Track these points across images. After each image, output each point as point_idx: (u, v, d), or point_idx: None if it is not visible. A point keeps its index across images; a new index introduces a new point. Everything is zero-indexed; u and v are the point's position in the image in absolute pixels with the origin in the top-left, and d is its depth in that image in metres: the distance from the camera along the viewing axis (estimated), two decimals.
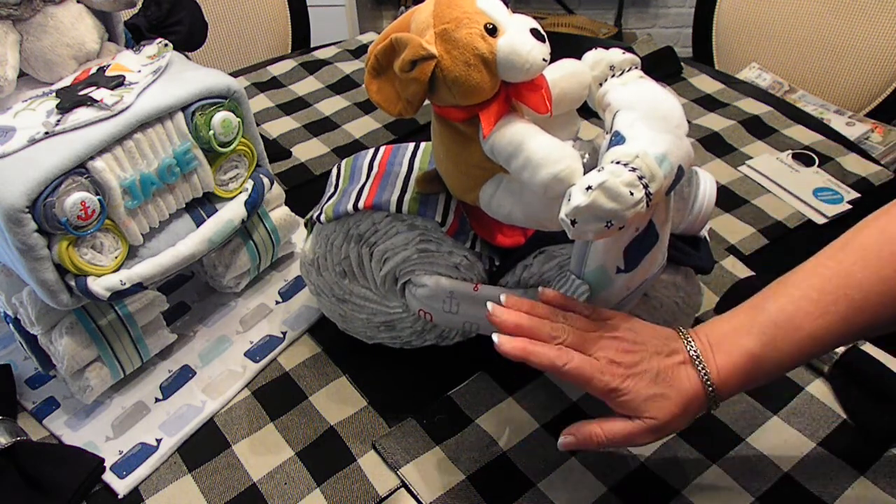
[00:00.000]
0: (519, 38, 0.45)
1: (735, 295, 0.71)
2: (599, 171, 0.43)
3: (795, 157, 0.91)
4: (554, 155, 0.45)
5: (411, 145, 0.64)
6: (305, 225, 0.65)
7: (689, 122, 0.52)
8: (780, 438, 0.59)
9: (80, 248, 0.55)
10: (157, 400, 0.66)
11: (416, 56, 0.44)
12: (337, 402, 0.65)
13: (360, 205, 0.57)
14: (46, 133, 0.53)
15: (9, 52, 0.56)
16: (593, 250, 0.51)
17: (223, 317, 0.73)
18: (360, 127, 1.01)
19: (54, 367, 0.62)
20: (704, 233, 0.59)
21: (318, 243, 0.62)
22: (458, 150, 0.52)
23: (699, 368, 0.48)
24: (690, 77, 1.08)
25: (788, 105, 1.03)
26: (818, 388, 0.63)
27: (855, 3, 1.21)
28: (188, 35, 0.65)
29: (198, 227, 0.63)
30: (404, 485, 0.58)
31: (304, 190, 0.90)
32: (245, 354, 0.69)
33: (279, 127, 1.02)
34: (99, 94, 0.56)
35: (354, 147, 0.97)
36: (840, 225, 0.81)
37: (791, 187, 0.86)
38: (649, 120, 0.46)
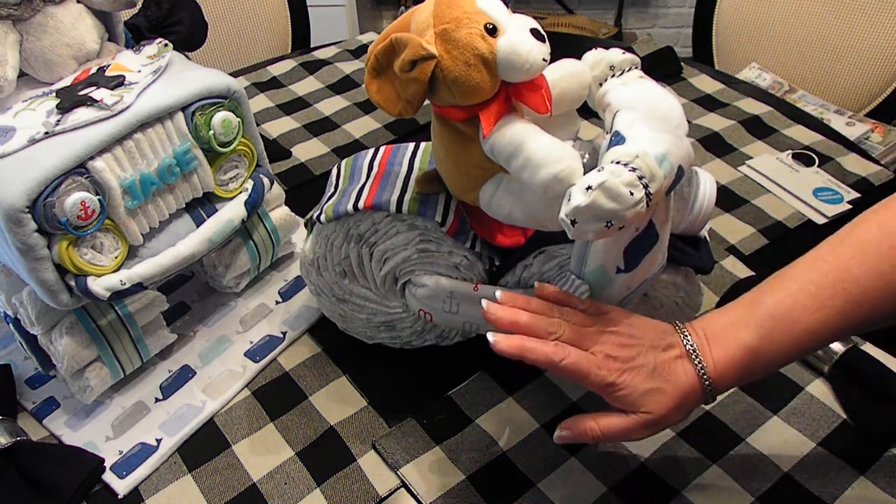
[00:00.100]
0: (519, 38, 0.45)
1: (735, 295, 0.71)
2: (599, 171, 0.43)
3: (795, 157, 0.91)
4: (554, 155, 0.45)
5: (411, 145, 0.64)
6: (305, 225, 0.65)
7: (689, 122, 0.52)
8: (780, 438, 0.59)
9: (80, 248, 0.55)
10: (157, 400, 0.66)
11: (416, 56, 0.44)
12: (337, 402, 0.65)
13: (360, 205, 0.57)
14: (46, 133, 0.53)
15: (9, 52, 0.56)
16: (593, 250, 0.51)
17: (223, 317, 0.73)
18: (360, 127, 1.01)
19: (54, 367, 0.62)
20: (704, 233, 0.59)
21: (318, 243, 0.62)
22: (458, 150, 0.52)
23: (696, 362, 0.48)
24: (690, 77, 1.08)
25: (788, 105, 1.03)
26: (818, 388, 0.63)
27: (855, 3, 1.21)
28: (188, 35, 0.65)
29: (198, 227, 0.63)
30: (404, 485, 0.58)
31: (304, 190, 0.90)
32: (245, 354, 0.69)
33: (279, 127, 1.02)
34: (99, 94, 0.56)
35: (354, 147, 0.97)
36: (840, 225, 0.80)
37: (791, 187, 0.86)
38: (649, 120, 0.46)
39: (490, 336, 0.48)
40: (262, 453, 0.61)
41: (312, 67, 1.15)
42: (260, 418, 0.64)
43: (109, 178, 0.54)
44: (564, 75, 0.51)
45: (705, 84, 1.07)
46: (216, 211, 0.64)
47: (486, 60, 0.45)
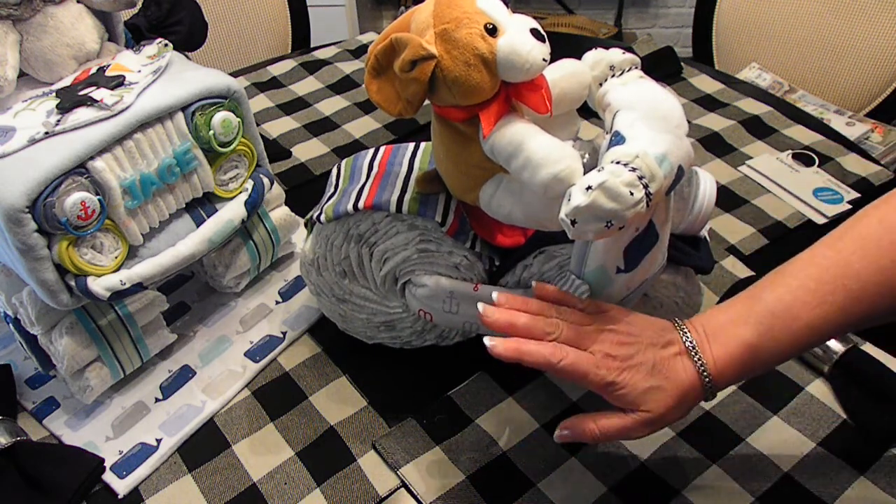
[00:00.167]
0: (519, 38, 0.45)
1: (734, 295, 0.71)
2: (599, 171, 0.43)
3: (795, 157, 0.91)
4: (554, 155, 0.45)
5: (411, 145, 0.64)
6: (305, 225, 0.65)
7: (689, 122, 0.52)
8: (780, 438, 0.59)
9: (80, 248, 0.55)
10: (157, 400, 0.66)
11: (416, 56, 0.44)
12: (337, 402, 0.65)
13: (360, 205, 0.57)
14: (46, 133, 0.53)
15: (9, 52, 0.56)
16: (593, 250, 0.51)
17: (223, 317, 0.73)
18: (360, 127, 1.01)
19: (54, 367, 0.62)
20: (704, 233, 0.59)
21: (318, 243, 0.62)
22: (458, 150, 0.52)
23: (695, 359, 0.48)
24: (690, 77, 1.08)
25: (788, 105, 1.03)
26: (818, 388, 0.63)
27: (855, 3, 1.21)
28: (188, 35, 0.65)
29: (198, 227, 0.63)
30: (404, 485, 0.58)
31: (304, 190, 0.90)
32: (245, 354, 0.69)
33: (279, 127, 1.02)
34: (99, 94, 0.56)
35: (354, 147, 0.97)
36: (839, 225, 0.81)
37: (791, 187, 0.86)
38: (649, 120, 0.46)
39: (487, 340, 0.47)
40: (262, 453, 0.61)
41: (312, 67, 1.15)
42: (260, 418, 0.64)
43: (109, 178, 0.54)
44: (564, 75, 0.51)
45: (705, 84, 1.07)
46: (216, 211, 0.64)
47: (486, 60, 0.45)
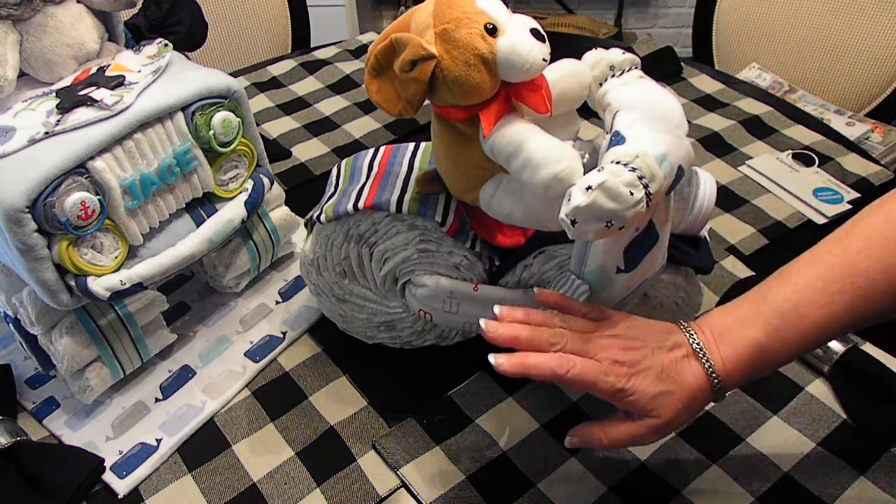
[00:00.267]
0: (519, 38, 0.45)
1: (735, 295, 0.71)
2: (599, 171, 0.43)
3: (795, 157, 0.91)
4: (554, 155, 0.45)
5: (411, 145, 0.64)
6: (305, 225, 0.65)
7: (689, 122, 0.52)
8: (780, 438, 0.59)
9: (80, 248, 0.55)
10: (157, 400, 0.66)
11: (416, 56, 0.44)
12: (337, 402, 0.65)
13: (360, 205, 0.57)
14: (46, 133, 0.53)
15: (9, 52, 0.56)
16: (593, 250, 0.51)
17: (223, 317, 0.73)
18: (360, 127, 1.01)
19: (54, 367, 0.62)
20: (704, 233, 0.59)
21: (318, 243, 0.62)
22: (458, 150, 0.52)
23: (703, 361, 0.47)
24: (690, 77, 1.08)
25: (788, 105, 1.03)
26: (818, 388, 0.63)
27: (855, 3, 1.21)
28: (188, 35, 0.65)
29: (198, 227, 0.63)
30: (404, 485, 0.58)
31: (304, 190, 0.90)
32: (245, 354, 0.69)
33: (279, 127, 1.02)
34: (99, 94, 0.56)
35: (354, 147, 0.97)
36: (840, 225, 0.80)
37: (791, 187, 0.86)
38: (649, 120, 0.46)
39: (492, 358, 0.47)
40: (262, 453, 0.61)
41: (312, 67, 1.15)
42: (260, 418, 0.64)
43: (109, 178, 0.54)
44: (564, 75, 0.51)
45: (705, 84, 1.07)
46: (216, 211, 0.64)
47: (486, 60, 0.45)
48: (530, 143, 0.46)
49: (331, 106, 1.06)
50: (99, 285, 0.55)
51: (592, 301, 0.53)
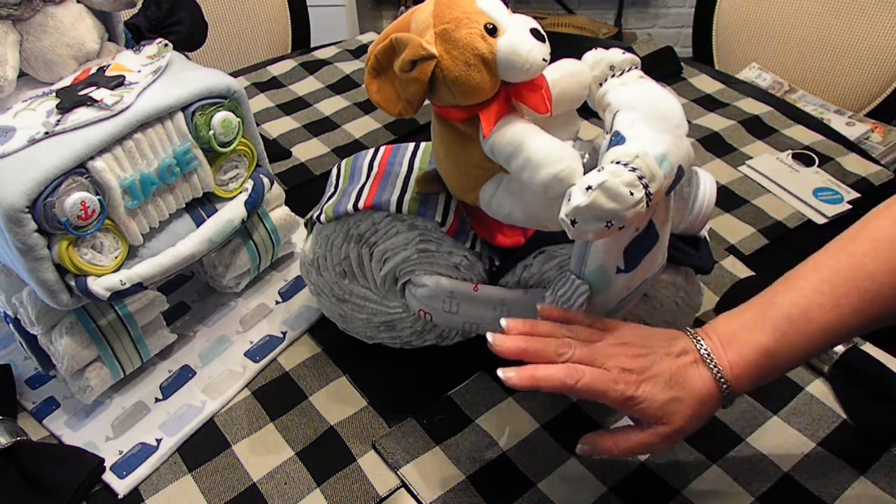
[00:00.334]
0: (519, 38, 0.45)
1: (735, 295, 0.71)
2: (599, 171, 0.43)
3: (795, 157, 0.91)
4: (554, 155, 0.45)
5: (411, 145, 0.64)
6: (305, 225, 0.65)
7: (689, 122, 0.52)
8: (780, 438, 0.59)
9: (80, 248, 0.55)
10: (157, 400, 0.66)
11: (416, 56, 0.44)
12: (337, 402, 0.65)
13: (360, 205, 0.57)
14: (46, 133, 0.53)
15: (9, 52, 0.56)
16: (593, 250, 0.51)
17: (223, 317, 0.73)
18: (360, 127, 1.01)
19: (54, 367, 0.62)
20: (704, 233, 0.59)
21: (318, 243, 0.62)
22: (458, 150, 0.52)
23: (711, 366, 0.47)
24: (690, 77, 1.08)
25: (788, 105, 1.03)
26: (818, 388, 0.63)
27: (855, 3, 1.21)
28: (188, 35, 0.65)
29: (198, 227, 0.63)
30: (404, 485, 0.58)
31: (304, 190, 0.90)
32: (245, 354, 0.69)
33: (279, 127, 1.02)
34: (99, 94, 0.56)
35: (354, 147, 0.97)
36: (840, 225, 0.80)
37: (791, 187, 0.86)
38: (649, 120, 0.46)
39: (500, 373, 0.47)
40: (262, 453, 0.61)
41: (312, 67, 1.15)
42: (260, 418, 0.64)
43: (109, 178, 0.54)
44: (564, 75, 0.51)
45: (705, 84, 1.07)
46: (216, 211, 0.64)
47: (486, 60, 0.45)
48: (530, 143, 0.46)
49: (331, 106, 1.06)
50: (99, 285, 0.55)
51: (592, 301, 0.53)
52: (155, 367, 0.68)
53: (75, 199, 0.52)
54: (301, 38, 1.46)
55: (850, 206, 0.82)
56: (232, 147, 0.62)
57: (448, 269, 0.59)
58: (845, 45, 1.23)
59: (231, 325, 0.72)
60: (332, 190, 0.63)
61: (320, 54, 1.19)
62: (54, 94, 0.57)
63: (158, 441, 0.62)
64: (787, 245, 0.79)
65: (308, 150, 0.97)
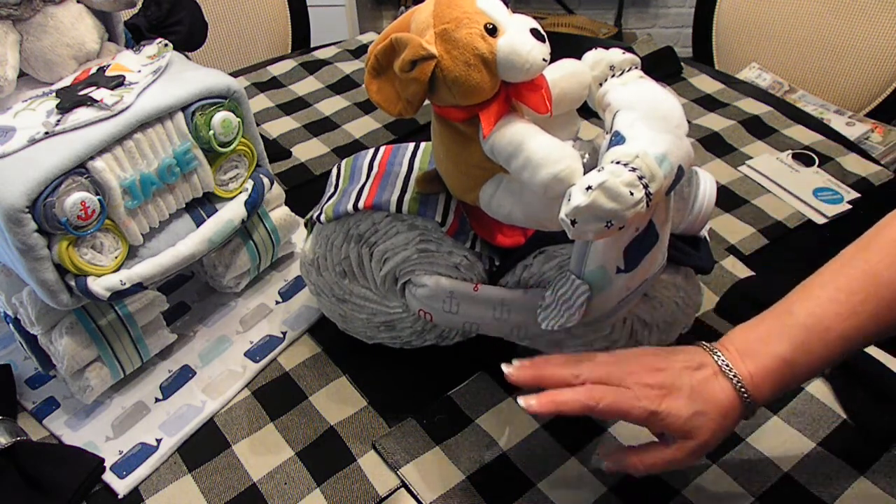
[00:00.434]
0: (519, 38, 0.45)
1: (735, 295, 0.71)
2: (599, 171, 0.43)
3: (795, 157, 0.91)
4: (554, 155, 0.45)
5: (411, 145, 0.64)
6: (305, 225, 0.65)
7: (689, 122, 0.52)
8: (780, 438, 0.59)
9: (80, 248, 0.55)
10: (157, 400, 0.66)
11: (416, 56, 0.44)
12: (337, 402, 0.65)
13: (360, 205, 0.57)
14: (46, 133, 0.53)
15: (9, 52, 0.56)
16: (593, 250, 0.51)
17: (223, 317, 0.73)
18: (360, 127, 1.01)
19: (54, 367, 0.62)
20: (704, 233, 0.59)
21: (318, 243, 0.62)
22: (458, 150, 0.52)
23: (731, 377, 0.47)
24: (690, 77, 1.08)
25: (788, 105, 1.03)
26: (818, 388, 0.63)
27: (855, 3, 1.21)
28: (188, 35, 0.65)
29: (198, 227, 0.63)
30: (404, 485, 0.58)
31: (304, 190, 0.90)
32: (245, 354, 0.69)
33: (279, 127, 1.02)
34: (99, 94, 0.56)
35: (354, 147, 0.97)
36: (840, 225, 0.81)
37: (791, 187, 0.86)
38: (649, 120, 0.46)
39: (521, 401, 0.46)
40: (262, 453, 0.61)
41: (312, 67, 1.15)
42: (260, 418, 0.64)
43: (109, 178, 0.54)
44: (564, 75, 0.51)
45: (705, 84, 1.07)
46: (216, 211, 0.64)
47: (486, 60, 0.45)
48: (530, 143, 0.46)
49: (331, 106, 1.06)
50: (99, 285, 0.55)
51: (592, 301, 0.53)
52: (155, 367, 0.68)
53: (75, 199, 0.52)
54: (301, 38, 1.47)
55: (850, 206, 0.82)
56: (232, 147, 0.62)
57: (448, 269, 0.59)
58: (845, 45, 1.23)
59: (231, 325, 0.72)
60: (332, 190, 0.63)
61: (320, 54, 1.19)
62: (54, 94, 0.57)
63: (158, 441, 0.62)
64: (787, 245, 0.79)
65: (308, 150, 0.97)
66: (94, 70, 0.59)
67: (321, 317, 0.72)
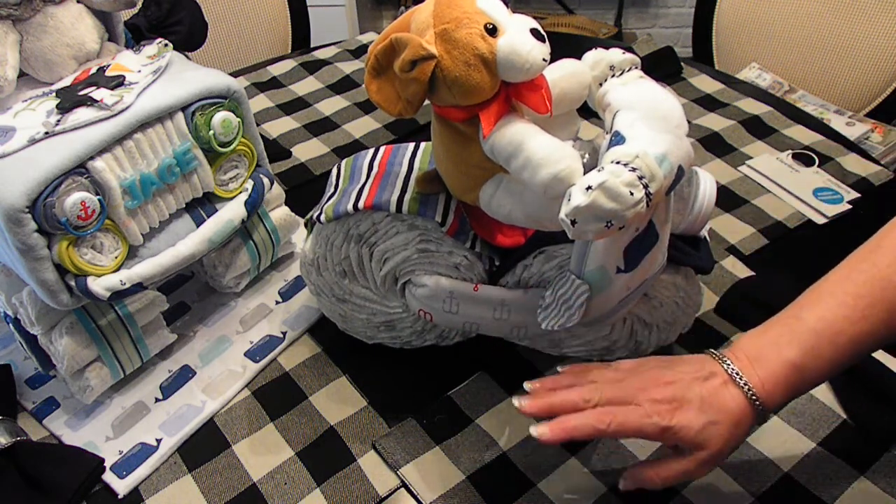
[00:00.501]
0: (519, 38, 0.45)
1: (735, 295, 0.71)
2: (599, 171, 0.43)
3: (795, 157, 0.91)
4: (554, 155, 0.45)
5: (411, 145, 0.64)
6: (305, 225, 0.65)
7: (689, 122, 0.52)
8: (780, 438, 0.59)
9: (80, 248, 0.55)
10: (157, 400, 0.66)
11: (416, 56, 0.44)
12: (337, 402, 0.65)
13: (360, 205, 0.57)
14: (46, 133, 0.53)
15: (9, 52, 0.56)
16: (593, 250, 0.51)
17: (223, 317, 0.73)
18: (360, 127, 1.01)
19: (54, 367, 0.62)
20: (704, 233, 0.60)
21: (318, 243, 0.62)
22: (458, 150, 0.52)
23: (741, 385, 0.47)
24: (690, 77, 1.08)
25: (788, 105, 1.03)
26: (818, 389, 0.63)
27: (855, 3, 1.21)
28: (188, 35, 0.65)
29: (198, 227, 0.63)
30: (404, 485, 0.58)
31: (304, 190, 0.90)
32: (245, 354, 0.69)
33: (279, 127, 1.02)
34: (99, 94, 0.56)
35: (354, 147, 0.97)
36: (840, 225, 0.81)
37: (791, 187, 0.86)
38: (649, 120, 0.46)
39: (533, 430, 0.48)
40: (262, 453, 0.61)
41: (312, 67, 1.15)
42: (260, 418, 0.64)
43: (109, 178, 0.54)
44: (564, 75, 0.51)
45: (705, 84, 1.07)
46: (216, 211, 0.64)
47: (486, 60, 0.45)
48: (530, 143, 0.46)
49: (331, 106, 1.06)
50: (99, 285, 0.55)
51: (592, 301, 0.53)
52: (155, 367, 0.68)
53: (75, 199, 0.52)
54: (301, 38, 1.47)
55: (850, 206, 0.82)
56: (232, 147, 0.62)
57: (448, 269, 0.59)
58: (845, 45, 1.23)
59: (231, 325, 0.72)
60: (332, 190, 0.63)
61: (320, 54, 1.19)
62: (54, 94, 0.57)
63: (158, 441, 0.62)
64: (787, 245, 0.79)
65: (308, 150, 0.97)
66: (94, 70, 0.59)
67: (321, 317, 0.72)
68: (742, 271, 0.75)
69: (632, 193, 0.42)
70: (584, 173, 0.44)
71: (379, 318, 0.65)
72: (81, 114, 0.54)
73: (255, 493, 0.58)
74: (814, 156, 0.91)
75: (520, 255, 0.58)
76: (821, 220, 0.82)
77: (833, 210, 0.82)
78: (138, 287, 0.58)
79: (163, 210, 0.60)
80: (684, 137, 0.47)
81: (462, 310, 0.59)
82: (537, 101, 0.47)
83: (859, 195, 0.84)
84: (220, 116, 0.60)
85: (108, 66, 0.59)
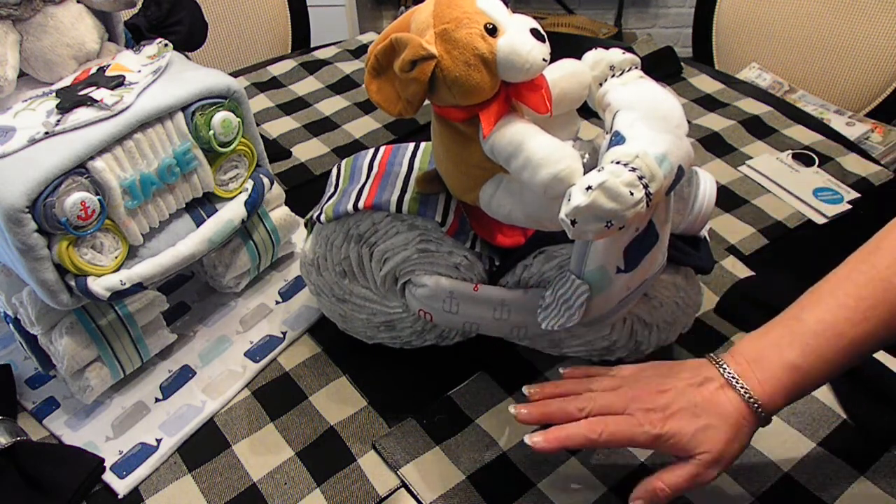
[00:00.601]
0: (519, 38, 0.45)
1: (735, 295, 0.71)
2: (599, 171, 0.43)
3: (795, 157, 0.91)
4: (554, 155, 0.45)
5: (411, 145, 0.64)
6: (305, 225, 0.65)
7: (689, 122, 0.52)
8: (780, 438, 0.59)
9: (80, 248, 0.55)
10: (157, 400, 0.66)
11: (416, 56, 0.44)
12: (337, 402, 0.65)
13: (360, 205, 0.57)
14: (46, 133, 0.53)
15: (9, 52, 0.56)
16: (593, 250, 0.51)
17: (223, 317, 0.73)
18: (360, 127, 1.01)
19: (54, 367, 0.62)
20: (704, 233, 0.60)
21: (318, 243, 0.62)
22: (458, 150, 0.52)
23: (738, 389, 0.47)
24: (690, 77, 1.08)
25: (788, 105, 1.03)
26: (818, 389, 0.62)
27: (855, 3, 1.21)
28: (188, 35, 0.65)
29: (198, 227, 0.63)
30: (404, 485, 0.58)
31: (304, 190, 0.90)
32: (245, 354, 0.69)
33: (279, 127, 1.02)
34: (99, 94, 0.56)
35: (354, 147, 0.97)
36: (840, 225, 0.81)
37: (791, 187, 0.86)
38: (649, 120, 0.46)
39: (527, 439, 0.48)
40: (262, 453, 0.61)
41: (312, 67, 1.15)
42: (260, 418, 0.64)
43: (109, 178, 0.54)
44: (564, 75, 0.51)
45: (705, 84, 1.07)
46: (216, 211, 0.64)
47: (486, 60, 0.45)
48: (530, 143, 0.46)
49: (331, 106, 1.06)
50: (99, 285, 0.55)
51: (592, 301, 0.53)
52: (155, 367, 0.68)
53: (75, 199, 0.52)
54: (301, 38, 1.47)
55: (850, 206, 0.82)
56: (232, 147, 0.62)
57: (448, 269, 0.59)
58: (845, 45, 1.23)
59: (231, 325, 0.72)
60: (332, 190, 0.63)
61: (320, 54, 1.19)
62: (54, 94, 0.57)
63: (158, 441, 0.62)
64: (787, 245, 0.79)
65: (308, 150, 0.97)
66: (94, 70, 0.59)
67: (321, 317, 0.72)
68: (742, 271, 0.75)
69: (632, 193, 0.42)
70: (584, 173, 0.44)
71: (379, 318, 0.65)
72: (81, 114, 0.54)
73: (255, 493, 0.58)
74: (814, 156, 0.91)
75: (520, 255, 0.58)
76: (821, 220, 0.82)
77: (833, 210, 0.82)
78: (138, 287, 0.58)
79: (163, 210, 0.60)
80: (684, 137, 0.47)
81: (462, 310, 0.59)
82: (537, 101, 0.47)
83: (859, 195, 0.84)
84: (220, 116, 0.60)
85: (108, 66, 0.59)
